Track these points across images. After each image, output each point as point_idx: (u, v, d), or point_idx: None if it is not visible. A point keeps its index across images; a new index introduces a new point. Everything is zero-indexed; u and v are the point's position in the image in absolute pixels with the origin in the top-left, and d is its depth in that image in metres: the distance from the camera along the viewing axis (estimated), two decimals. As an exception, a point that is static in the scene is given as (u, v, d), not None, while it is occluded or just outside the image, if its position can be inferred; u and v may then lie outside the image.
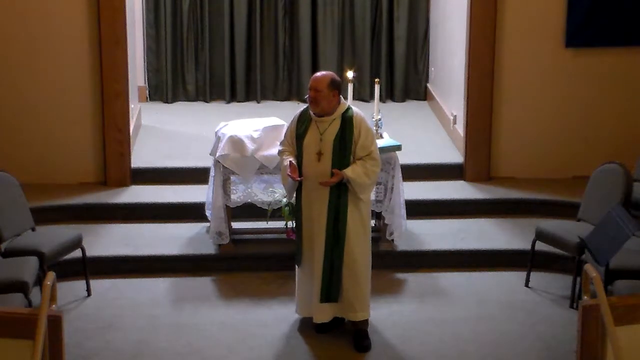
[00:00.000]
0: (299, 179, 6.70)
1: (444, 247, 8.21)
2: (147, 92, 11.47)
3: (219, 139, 8.10)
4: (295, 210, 6.98)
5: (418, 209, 8.60)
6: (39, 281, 7.05)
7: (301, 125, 6.78)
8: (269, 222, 8.16)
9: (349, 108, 6.75)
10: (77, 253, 7.69)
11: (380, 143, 7.74)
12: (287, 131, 6.95)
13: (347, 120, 6.68)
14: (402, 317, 7.32)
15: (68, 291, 7.64)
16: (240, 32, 11.39)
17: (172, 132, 10.30)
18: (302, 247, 6.91)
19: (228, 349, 6.89)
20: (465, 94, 9.28)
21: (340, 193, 6.70)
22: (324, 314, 6.91)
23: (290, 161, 6.73)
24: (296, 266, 7.06)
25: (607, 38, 9.11)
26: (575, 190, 8.54)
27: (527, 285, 7.86)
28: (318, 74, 6.77)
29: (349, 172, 6.62)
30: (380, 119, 8.02)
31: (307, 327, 7.16)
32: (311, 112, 6.74)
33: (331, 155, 6.65)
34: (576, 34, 9.07)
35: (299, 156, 6.77)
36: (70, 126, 9.06)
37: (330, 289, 6.79)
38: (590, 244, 6.93)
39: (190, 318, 7.33)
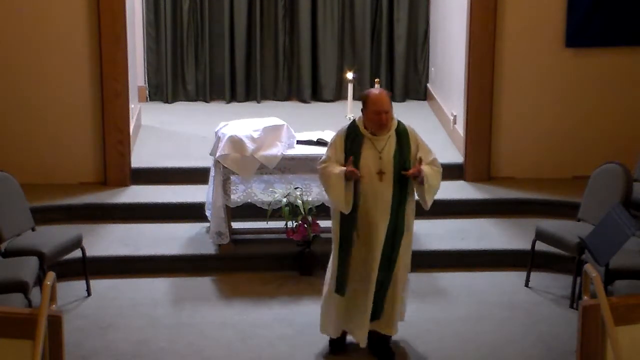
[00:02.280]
0: (358, 175, 6.28)
1: (444, 247, 8.20)
2: (147, 92, 11.47)
3: (219, 139, 8.11)
4: (345, 234, 6.46)
5: (418, 209, 8.57)
6: (39, 281, 7.04)
7: (352, 145, 6.37)
8: (269, 222, 8.16)
9: (399, 122, 6.48)
10: (77, 253, 7.69)
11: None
12: (329, 151, 6.46)
13: (403, 134, 6.41)
14: (402, 317, 7.32)
15: (68, 291, 7.64)
16: (240, 32, 11.39)
17: (172, 132, 10.30)
18: (347, 271, 6.49)
19: (228, 349, 6.89)
20: (465, 94, 9.28)
21: (398, 214, 6.41)
22: (365, 333, 6.57)
23: (347, 162, 6.31)
24: (326, 288, 6.67)
25: (607, 38, 9.11)
26: (575, 190, 8.54)
27: (527, 285, 7.86)
28: (377, 93, 6.35)
29: (426, 168, 6.32)
30: (380, 119, 8.02)
31: (307, 327, 7.16)
32: (366, 131, 6.34)
33: (393, 173, 6.34)
34: (576, 34, 9.07)
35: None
36: (70, 126, 9.06)
37: (377, 307, 6.52)
38: (590, 244, 6.93)
39: (190, 318, 7.33)
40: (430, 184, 6.35)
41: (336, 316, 6.64)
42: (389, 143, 6.35)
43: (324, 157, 6.48)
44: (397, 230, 6.42)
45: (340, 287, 6.53)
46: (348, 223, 6.42)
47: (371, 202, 6.35)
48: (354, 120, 6.48)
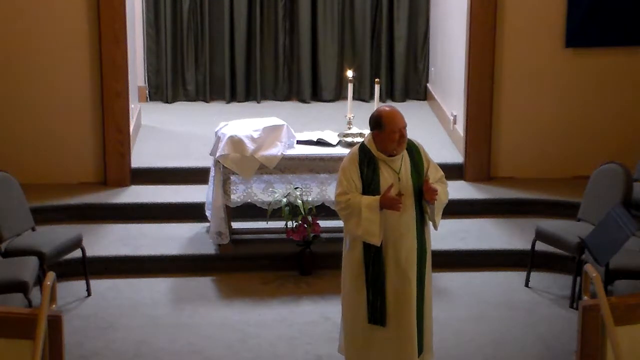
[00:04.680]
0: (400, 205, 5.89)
1: (444, 247, 8.20)
2: (147, 92, 11.47)
3: (219, 139, 8.11)
4: (375, 265, 6.02)
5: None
6: (39, 281, 7.05)
7: (367, 170, 5.96)
8: (269, 222, 8.17)
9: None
10: (77, 253, 7.70)
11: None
12: (344, 181, 5.99)
13: (414, 151, 6.06)
14: (402, 317, 7.32)
15: (68, 291, 7.65)
16: (240, 32, 11.39)
17: (172, 132, 10.30)
18: (385, 302, 6.03)
19: (228, 349, 6.90)
20: (465, 94, 9.28)
21: (423, 233, 6.08)
22: None
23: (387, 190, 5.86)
24: (343, 329, 6.23)
25: (607, 38, 9.11)
26: (575, 190, 8.54)
27: (527, 285, 7.87)
28: (390, 110, 5.96)
29: (438, 188, 5.96)
30: (380, 119, 8.02)
31: (307, 327, 7.17)
32: (380, 153, 5.96)
33: (412, 193, 5.97)
34: (576, 34, 9.08)
35: None
36: (70, 126, 9.06)
37: (421, 340, 6.09)
38: (590, 244, 6.93)
39: (190, 318, 7.33)
40: (442, 202, 6.04)
41: (366, 356, 6.16)
42: (404, 162, 5.99)
43: (339, 189, 6.00)
44: (423, 250, 6.12)
45: (380, 315, 6.04)
46: (375, 250, 6.00)
47: (394, 227, 5.97)
48: (362, 143, 6.05)
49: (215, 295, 7.70)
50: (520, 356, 6.85)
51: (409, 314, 6.05)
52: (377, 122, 5.98)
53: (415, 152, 6.08)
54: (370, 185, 5.96)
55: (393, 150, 5.97)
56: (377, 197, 5.90)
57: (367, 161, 5.98)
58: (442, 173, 6.18)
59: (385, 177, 5.96)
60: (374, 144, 6.01)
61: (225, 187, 8.01)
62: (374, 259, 6.02)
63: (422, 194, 5.99)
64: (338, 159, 7.99)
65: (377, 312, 6.06)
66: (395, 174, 5.98)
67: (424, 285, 6.13)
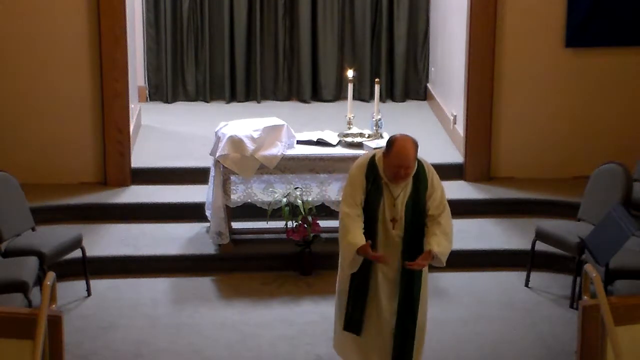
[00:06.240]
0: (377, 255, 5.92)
1: (444, 247, 8.19)
2: (147, 92, 11.47)
3: (219, 139, 8.11)
4: (361, 277, 6.07)
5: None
6: (39, 281, 7.05)
7: (371, 186, 5.96)
8: (269, 222, 8.17)
9: (417, 161, 5.99)
10: (77, 253, 7.70)
11: (381, 143, 7.75)
12: (349, 188, 6.01)
13: (420, 177, 5.98)
14: (402, 317, 7.31)
15: (68, 291, 7.65)
16: (240, 32, 11.39)
17: (172, 132, 10.30)
18: (364, 312, 6.09)
19: (228, 349, 6.90)
20: (465, 94, 9.28)
21: (412, 260, 5.95)
22: None
23: (368, 243, 5.89)
24: (337, 331, 6.28)
25: (607, 38, 9.11)
26: (575, 190, 8.54)
27: (527, 285, 7.87)
28: (403, 144, 5.84)
29: (436, 248, 5.89)
30: (380, 119, 8.04)
31: (307, 327, 7.16)
32: (384, 175, 5.93)
33: (404, 220, 5.97)
34: (576, 34, 9.08)
35: (367, 219, 5.99)
36: (70, 126, 9.06)
37: (404, 357, 6.11)
38: (590, 244, 6.93)
39: (190, 318, 7.33)
40: (444, 255, 5.96)
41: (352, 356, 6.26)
42: (404, 190, 5.96)
43: (343, 201, 6.04)
44: (414, 276, 6.04)
45: (353, 324, 6.12)
46: (365, 264, 6.03)
47: (383, 250, 5.98)
48: (373, 157, 6.00)
49: (215, 295, 7.70)
50: (520, 356, 6.85)
51: (379, 329, 6.08)
52: (388, 145, 5.92)
53: (421, 179, 5.98)
54: (372, 203, 5.95)
55: (390, 180, 5.93)
56: (358, 244, 5.87)
57: (372, 178, 5.95)
58: (444, 204, 6.02)
59: (384, 200, 5.94)
60: (382, 163, 5.96)
61: (225, 187, 8.01)
62: (361, 271, 6.03)
63: (412, 224, 5.97)
64: (338, 159, 8.00)
65: (354, 322, 6.11)
66: (392, 199, 5.95)
67: (414, 305, 6.07)
